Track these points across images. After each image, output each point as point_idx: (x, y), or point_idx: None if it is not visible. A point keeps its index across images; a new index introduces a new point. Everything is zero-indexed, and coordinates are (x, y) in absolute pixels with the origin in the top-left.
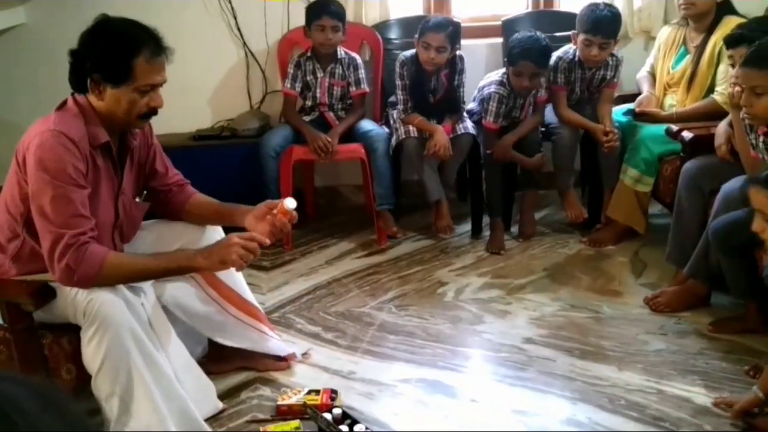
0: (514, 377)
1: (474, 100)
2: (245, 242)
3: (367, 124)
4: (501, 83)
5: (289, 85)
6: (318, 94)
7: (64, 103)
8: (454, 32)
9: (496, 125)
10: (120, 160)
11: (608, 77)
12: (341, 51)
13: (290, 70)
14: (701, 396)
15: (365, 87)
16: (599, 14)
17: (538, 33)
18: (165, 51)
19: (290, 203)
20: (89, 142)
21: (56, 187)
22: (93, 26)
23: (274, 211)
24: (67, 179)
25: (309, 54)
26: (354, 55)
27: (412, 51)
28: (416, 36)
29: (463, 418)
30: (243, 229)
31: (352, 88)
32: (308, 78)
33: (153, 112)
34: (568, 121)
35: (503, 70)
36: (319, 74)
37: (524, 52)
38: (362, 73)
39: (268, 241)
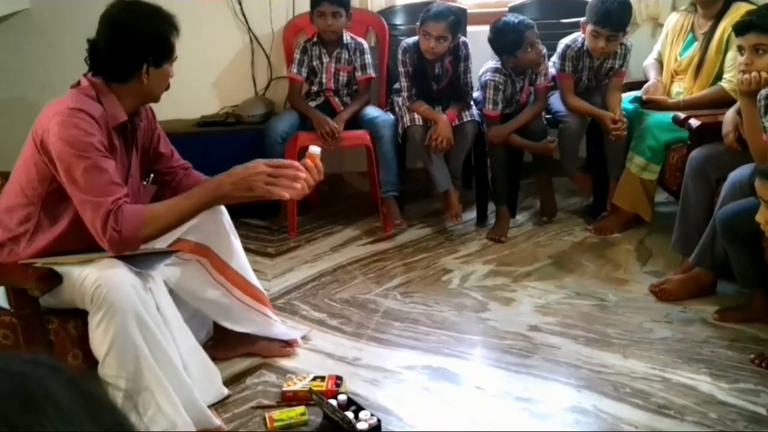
0: (518, 364)
1: (478, 89)
2: (272, 169)
3: (372, 111)
4: (496, 70)
5: (295, 71)
6: (324, 80)
7: (78, 83)
8: (455, 21)
9: (495, 113)
10: (135, 137)
11: (616, 66)
12: (347, 36)
13: (296, 56)
14: (706, 384)
15: (371, 72)
16: (609, 6)
17: (507, 18)
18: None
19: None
20: (107, 122)
21: (86, 159)
22: (126, 14)
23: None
24: (94, 151)
25: (315, 39)
26: (360, 40)
27: (414, 38)
28: (418, 24)
29: (468, 405)
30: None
31: (358, 73)
32: (314, 63)
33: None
34: (575, 110)
35: (495, 58)
36: (325, 59)
37: (519, 37)
38: (368, 58)
39: (298, 165)
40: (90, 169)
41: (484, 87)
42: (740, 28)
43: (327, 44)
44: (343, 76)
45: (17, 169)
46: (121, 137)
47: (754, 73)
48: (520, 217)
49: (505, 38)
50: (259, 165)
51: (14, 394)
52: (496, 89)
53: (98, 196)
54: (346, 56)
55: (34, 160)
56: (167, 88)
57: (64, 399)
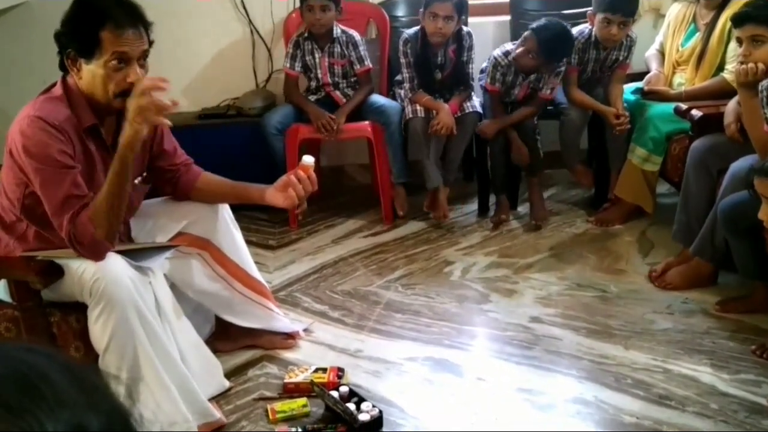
0: (520, 356)
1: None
2: (139, 92)
3: (379, 99)
4: (505, 52)
5: (288, 65)
6: (320, 74)
7: (53, 85)
8: (460, 1)
9: (493, 87)
10: (117, 141)
11: (621, 58)
12: (337, 29)
13: (289, 50)
14: (707, 375)
15: (368, 63)
16: None
17: (567, 26)
18: (139, 22)
19: (308, 159)
20: (76, 125)
21: (44, 171)
22: (72, 2)
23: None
24: (53, 162)
25: (306, 34)
26: (351, 32)
27: (415, 28)
28: (421, 9)
29: (469, 396)
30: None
31: (356, 66)
32: (307, 58)
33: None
34: (578, 103)
35: (515, 42)
36: (318, 54)
37: (536, 31)
38: (363, 49)
39: (165, 85)
40: (45, 183)
41: (488, 62)
42: (738, 20)
43: (318, 38)
44: (338, 70)
45: (3, 169)
46: (98, 140)
47: (751, 65)
48: (521, 209)
49: (534, 23)
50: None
51: (10, 377)
52: (495, 67)
53: (56, 214)
54: (339, 49)
55: (10, 164)
56: (125, 92)
57: (58, 382)
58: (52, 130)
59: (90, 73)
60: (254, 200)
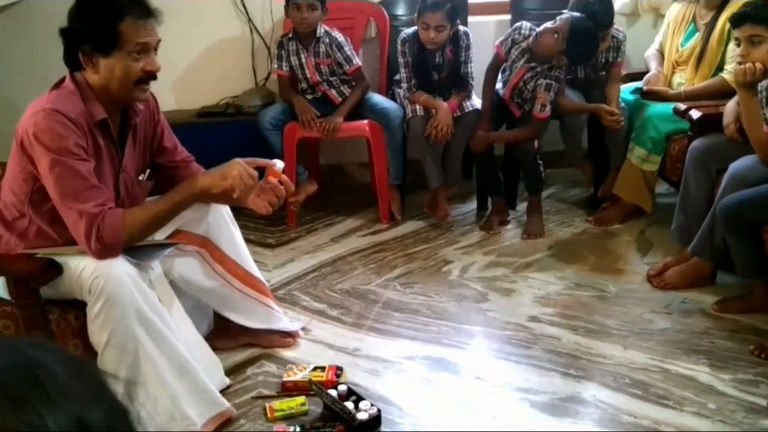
0: (518, 355)
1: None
2: (246, 164)
3: (381, 100)
4: (531, 28)
5: (276, 66)
6: (308, 74)
7: (62, 80)
8: (452, 9)
9: (500, 48)
10: (122, 138)
11: (611, 58)
12: (321, 29)
13: (275, 52)
14: (705, 375)
15: (356, 62)
16: (592, 7)
17: (584, 19)
18: (152, 12)
19: (278, 164)
20: (88, 120)
21: (60, 163)
22: (76, 0)
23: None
24: (69, 154)
25: (291, 35)
26: (334, 33)
27: (413, 28)
28: (415, 15)
29: (468, 395)
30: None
31: (345, 67)
32: (293, 59)
33: (150, 77)
34: (569, 112)
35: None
36: (303, 54)
37: (575, 16)
38: (348, 49)
39: (270, 163)
40: (65, 174)
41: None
42: (736, 20)
43: (302, 38)
44: (325, 69)
45: (9, 164)
46: (107, 135)
47: (749, 65)
48: (520, 208)
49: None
50: (237, 159)
51: (13, 369)
52: (514, 30)
53: (77, 202)
54: (323, 49)
55: (17, 158)
56: (147, 79)
57: (61, 376)
58: (68, 123)
59: (108, 68)
60: (241, 204)
